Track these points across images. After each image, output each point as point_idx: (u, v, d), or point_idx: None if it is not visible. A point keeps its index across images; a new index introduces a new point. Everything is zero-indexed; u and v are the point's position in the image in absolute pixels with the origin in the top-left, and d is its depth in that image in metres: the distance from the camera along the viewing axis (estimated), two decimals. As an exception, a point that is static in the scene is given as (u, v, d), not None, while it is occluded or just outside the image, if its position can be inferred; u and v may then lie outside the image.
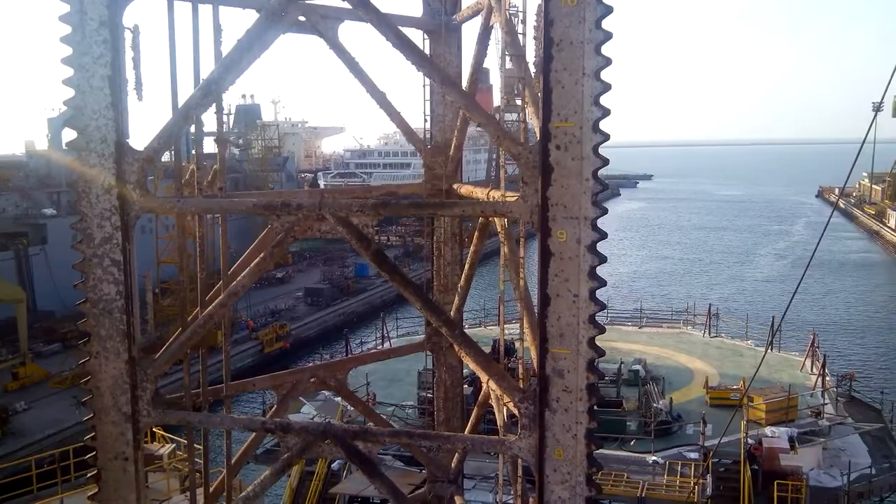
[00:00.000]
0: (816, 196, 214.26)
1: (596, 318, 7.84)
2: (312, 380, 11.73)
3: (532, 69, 8.48)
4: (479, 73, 11.14)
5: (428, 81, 11.86)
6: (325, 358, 46.44)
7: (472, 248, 11.58)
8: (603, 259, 7.68)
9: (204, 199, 8.87)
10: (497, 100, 10.55)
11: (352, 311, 72.60)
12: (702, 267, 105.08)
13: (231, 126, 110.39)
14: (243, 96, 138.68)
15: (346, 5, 8.53)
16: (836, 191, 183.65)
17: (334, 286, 77.02)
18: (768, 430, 25.95)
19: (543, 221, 7.42)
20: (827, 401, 29.24)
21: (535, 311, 7.81)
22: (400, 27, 11.74)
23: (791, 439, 25.46)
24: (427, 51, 11.70)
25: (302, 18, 8.65)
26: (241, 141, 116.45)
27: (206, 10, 8.44)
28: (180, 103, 8.02)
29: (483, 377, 9.57)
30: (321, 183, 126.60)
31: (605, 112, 7.11)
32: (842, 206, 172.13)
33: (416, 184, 12.51)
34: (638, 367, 31.76)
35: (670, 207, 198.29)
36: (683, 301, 69.46)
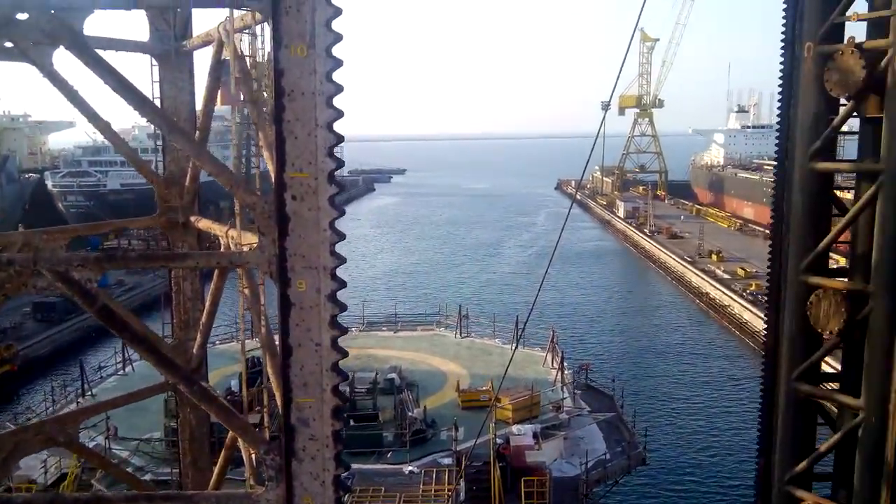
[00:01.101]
0: (556, 188, 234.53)
1: (339, 364, 8.24)
2: (38, 437, 10.98)
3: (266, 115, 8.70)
4: (212, 104, 11.11)
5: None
6: (59, 380, 42.52)
7: (212, 286, 11.48)
8: (343, 307, 8.08)
9: None
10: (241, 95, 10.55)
11: (90, 326, 66.72)
12: (454, 262, 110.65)
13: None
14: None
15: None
16: (573, 183, 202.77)
17: (68, 298, 70.18)
18: (515, 429, 28.38)
19: (282, 272, 7.67)
20: (566, 395, 32.60)
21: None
22: (126, 52, 11.36)
23: (535, 435, 28.07)
24: (156, 75, 11.49)
25: (9, 44, 8.11)
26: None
27: None
28: None
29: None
30: (49, 184, 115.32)
31: (340, 163, 7.55)
32: (578, 197, 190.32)
33: (150, 218, 12.15)
34: (393, 375, 33.02)
35: (423, 202, 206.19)
36: (437, 300, 73.00)
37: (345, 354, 8.17)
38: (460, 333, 42.86)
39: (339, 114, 7.47)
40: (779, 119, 8.10)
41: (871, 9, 7.38)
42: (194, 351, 11.43)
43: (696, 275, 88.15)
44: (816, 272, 8.00)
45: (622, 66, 12.01)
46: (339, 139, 7.52)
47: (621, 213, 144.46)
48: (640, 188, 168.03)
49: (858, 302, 7.64)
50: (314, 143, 7.32)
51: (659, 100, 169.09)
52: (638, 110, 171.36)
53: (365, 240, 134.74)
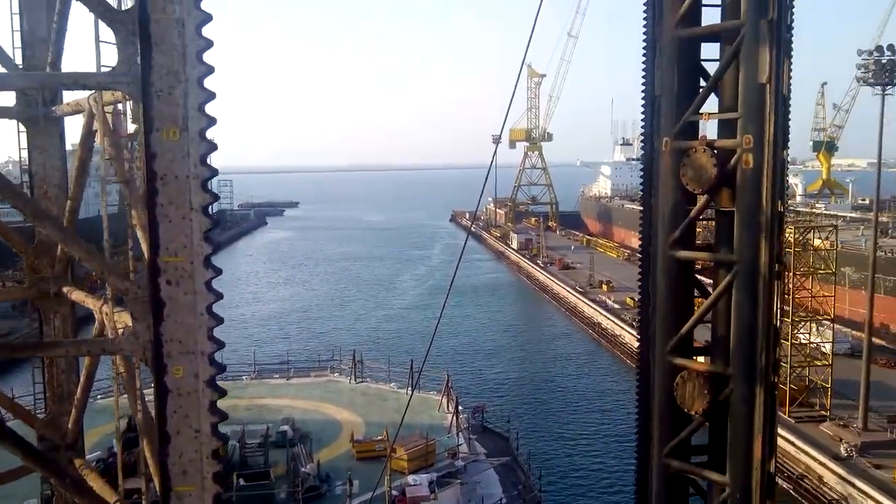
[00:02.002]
0: (450, 220, 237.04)
1: (218, 452, 8.04)
2: None
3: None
4: (84, 176, 10.74)
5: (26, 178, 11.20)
6: None
7: (87, 363, 11.03)
8: (223, 392, 7.95)
9: None
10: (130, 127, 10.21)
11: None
12: (349, 299, 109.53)
13: None
14: None
15: None
16: (468, 215, 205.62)
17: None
18: (411, 479, 28.27)
19: (157, 358, 7.48)
20: (462, 441, 32.76)
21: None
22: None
23: (431, 484, 28.02)
24: (24, 141, 11.10)
25: None
26: None
27: None
28: None
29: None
30: None
31: (216, 246, 7.46)
32: (473, 229, 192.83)
33: (18, 289, 11.64)
34: (286, 427, 32.33)
35: (317, 236, 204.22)
36: (332, 340, 72.00)
37: (226, 440, 8.00)
38: (355, 378, 42.48)
39: (215, 197, 7.44)
40: (641, 208, 8.51)
41: (720, 109, 7.88)
42: (69, 426, 10.92)
43: (588, 305, 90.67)
44: (682, 354, 8.39)
45: (511, 100, 12.51)
46: (215, 222, 7.45)
47: (515, 244, 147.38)
48: (533, 219, 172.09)
49: (720, 383, 8.04)
50: (189, 227, 7.22)
51: (548, 133, 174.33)
52: (528, 143, 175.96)
53: (256, 277, 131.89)
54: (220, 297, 7.70)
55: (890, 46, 48.32)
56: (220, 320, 7.81)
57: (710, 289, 8.30)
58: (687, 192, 8.03)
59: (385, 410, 36.66)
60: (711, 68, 8.06)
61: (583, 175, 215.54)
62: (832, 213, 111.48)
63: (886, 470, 43.73)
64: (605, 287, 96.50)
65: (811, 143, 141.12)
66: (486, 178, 13.83)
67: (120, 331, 8.64)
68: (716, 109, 7.94)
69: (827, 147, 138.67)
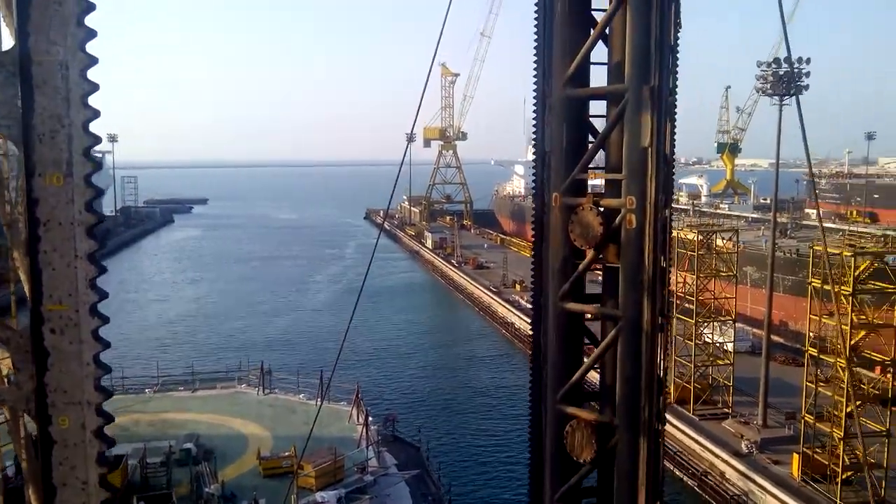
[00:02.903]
0: (364, 218, 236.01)
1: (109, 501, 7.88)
2: None
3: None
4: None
5: None
6: None
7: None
8: (111, 442, 7.82)
9: None
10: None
11: None
12: (259, 301, 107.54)
13: None
14: None
15: None
16: (382, 213, 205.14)
17: None
18: (318, 496, 28.10)
19: (42, 409, 7.31)
20: (371, 454, 32.72)
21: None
22: None
23: (339, 500, 27.92)
24: None
25: None
26: None
27: None
28: None
29: None
30: None
31: (104, 294, 7.30)
32: (387, 227, 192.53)
33: None
34: (189, 445, 31.62)
35: (227, 235, 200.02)
36: (241, 347, 70.50)
37: (115, 491, 7.83)
38: (263, 390, 41.80)
39: (102, 245, 7.26)
40: (532, 260, 8.72)
41: (607, 169, 8.16)
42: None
43: (502, 305, 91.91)
44: (572, 402, 8.64)
45: (421, 100, 12.61)
46: (103, 270, 7.27)
47: (429, 243, 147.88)
48: (448, 218, 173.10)
49: (607, 432, 8.33)
50: (74, 275, 7.05)
51: (462, 132, 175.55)
52: (442, 142, 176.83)
53: (162, 278, 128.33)
54: (107, 345, 7.57)
55: (787, 58, 50.60)
56: (107, 370, 7.66)
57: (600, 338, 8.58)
58: (576, 247, 8.27)
59: (294, 423, 36.25)
60: (601, 124, 8.33)
61: (497, 174, 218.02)
62: (735, 213, 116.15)
63: (784, 465, 46.02)
64: (518, 287, 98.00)
65: (716, 144, 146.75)
66: (398, 177, 13.90)
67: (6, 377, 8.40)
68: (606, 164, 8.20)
69: (730, 148, 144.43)
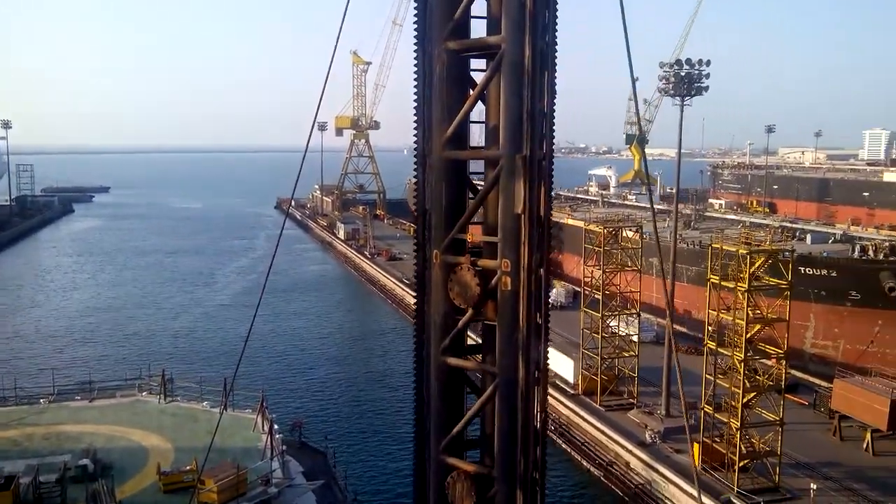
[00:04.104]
0: (275, 207, 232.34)
1: None
2: None
3: None
4: None
5: None
6: None
7: None
8: None
9: None
10: None
11: None
12: (164, 297, 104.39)
13: None
14: None
15: None
16: (294, 202, 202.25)
17: None
18: (221, 512, 27.70)
19: None
20: (276, 466, 32.45)
21: None
22: None
23: (243, 515, 27.63)
24: None
25: None
26: None
27: None
28: None
29: None
30: None
31: None
32: (298, 217, 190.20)
33: None
34: (86, 461, 30.65)
35: (130, 225, 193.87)
36: (142, 349, 68.35)
37: None
38: (164, 398, 40.77)
39: None
40: (415, 314, 8.96)
41: (484, 231, 8.44)
42: None
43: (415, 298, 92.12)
44: (453, 453, 8.94)
45: (324, 87, 12.02)
46: None
47: (342, 234, 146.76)
48: (361, 208, 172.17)
49: (487, 484, 8.66)
50: None
51: (375, 121, 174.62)
52: (354, 131, 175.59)
53: (60, 272, 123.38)
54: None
55: (688, 60, 52.51)
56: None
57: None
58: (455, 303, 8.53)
59: (196, 433, 35.54)
60: (481, 182, 8.59)
61: (410, 162, 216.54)
62: (642, 204, 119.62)
63: (685, 454, 48.01)
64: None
65: (624, 135, 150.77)
66: (301, 167, 13.25)
67: None
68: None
69: (638, 140, 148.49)
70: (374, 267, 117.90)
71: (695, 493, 43.45)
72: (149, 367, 44.95)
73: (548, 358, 8.89)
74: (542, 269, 8.44)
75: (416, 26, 8.37)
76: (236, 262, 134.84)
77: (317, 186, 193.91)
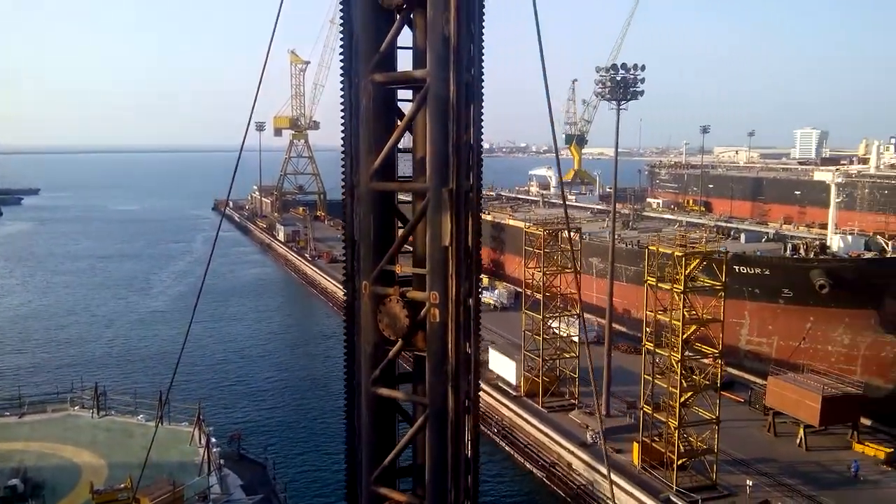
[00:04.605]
0: (213, 209, 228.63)
1: None
2: None
3: None
4: None
5: None
6: None
7: None
8: None
9: None
10: None
11: None
12: (97, 304, 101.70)
13: None
14: None
15: None
16: (231, 204, 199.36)
17: None
18: (157, 530, 27.17)
19: None
20: (214, 480, 31.99)
21: None
22: None
23: (178, 532, 27.15)
24: None
25: None
26: None
27: None
28: None
29: None
30: None
31: None
32: (238, 219, 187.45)
33: None
34: (16, 480, 29.74)
35: (61, 229, 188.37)
36: (75, 361, 66.29)
37: None
38: (98, 412, 39.73)
39: None
40: (345, 344, 8.96)
41: (414, 262, 8.49)
42: None
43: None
44: (385, 483, 8.98)
45: (258, 87, 11.69)
46: None
47: (282, 236, 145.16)
48: (300, 209, 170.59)
49: (419, 513, 8.71)
50: None
51: (314, 121, 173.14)
52: (293, 132, 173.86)
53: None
54: None
55: (624, 65, 53.43)
56: None
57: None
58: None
59: (131, 448, 34.72)
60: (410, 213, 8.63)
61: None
62: (582, 204, 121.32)
63: (626, 454, 48.86)
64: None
65: (564, 135, 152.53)
66: (236, 168, 12.83)
67: None
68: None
69: (577, 140, 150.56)
70: (315, 269, 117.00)
71: (635, 491, 44.34)
72: (81, 379, 43.67)
73: (479, 388, 9.01)
74: (471, 300, 8.54)
75: (342, 58, 8.36)
76: (173, 266, 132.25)
77: (255, 187, 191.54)
